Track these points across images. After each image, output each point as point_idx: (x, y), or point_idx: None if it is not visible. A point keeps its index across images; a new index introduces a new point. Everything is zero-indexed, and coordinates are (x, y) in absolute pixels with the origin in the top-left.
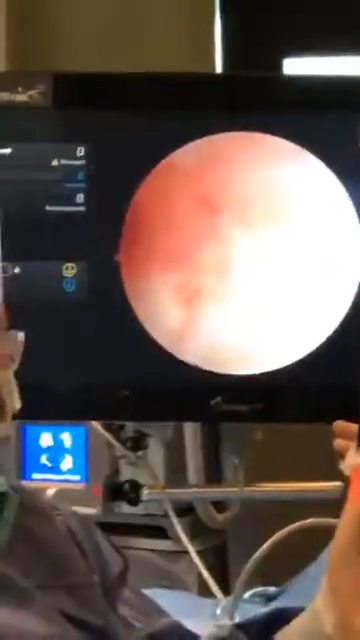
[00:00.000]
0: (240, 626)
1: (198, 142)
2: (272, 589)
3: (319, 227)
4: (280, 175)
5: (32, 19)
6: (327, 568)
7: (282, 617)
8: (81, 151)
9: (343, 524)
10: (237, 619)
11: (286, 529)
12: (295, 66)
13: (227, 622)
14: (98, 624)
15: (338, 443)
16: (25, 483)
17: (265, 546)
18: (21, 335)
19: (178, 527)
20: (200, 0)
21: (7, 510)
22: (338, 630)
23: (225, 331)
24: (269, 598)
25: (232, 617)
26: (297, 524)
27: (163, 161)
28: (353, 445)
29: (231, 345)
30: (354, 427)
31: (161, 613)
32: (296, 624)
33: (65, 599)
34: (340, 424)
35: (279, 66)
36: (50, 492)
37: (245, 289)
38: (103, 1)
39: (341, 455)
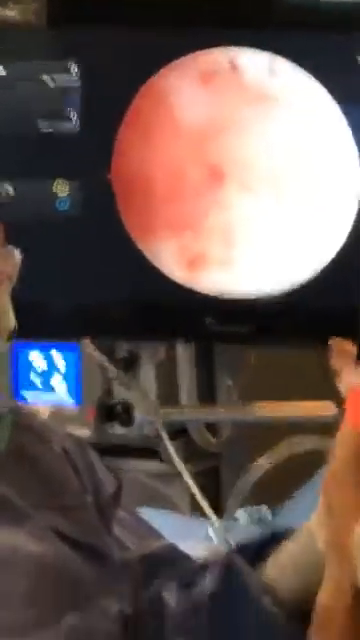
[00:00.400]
0: (235, 549)
1: (186, 60)
2: (264, 508)
3: (316, 152)
4: (270, 94)
5: None
6: (322, 487)
7: (276, 539)
8: (75, 69)
9: (338, 444)
10: (230, 540)
11: (277, 450)
12: None
13: (220, 544)
14: (92, 543)
15: (335, 362)
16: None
17: (255, 467)
18: (18, 252)
19: (171, 449)
20: None
21: (1, 429)
22: (329, 547)
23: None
24: (261, 519)
25: (224, 538)
26: (296, 441)
27: (151, 79)
28: (351, 364)
29: (228, 268)
30: (351, 345)
31: (155, 535)
32: (289, 543)
33: (59, 518)
34: (337, 342)
35: None
36: (45, 413)
37: (240, 216)
38: None
39: (338, 374)
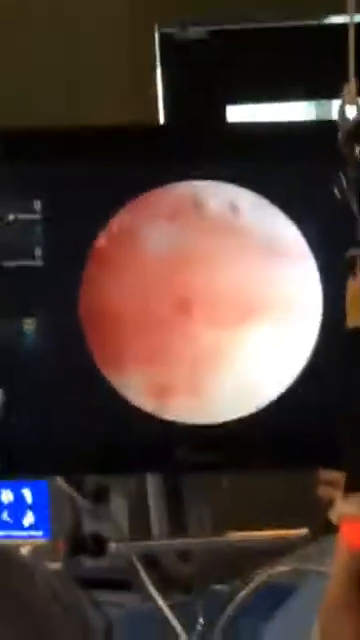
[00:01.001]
0: None
1: (149, 196)
2: None
3: (280, 282)
4: (234, 228)
5: None
6: (319, 616)
7: None
8: (37, 205)
9: (334, 571)
10: None
11: (262, 575)
12: (236, 113)
13: None
14: None
15: (323, 491)
16: None
17: (242, 594)
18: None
19: (147, 580)
20: (139, 53)
21: None
22: None
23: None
24: None
25: None
26: (275, 570)
27: (117, 215)
28: (340, 494)
29: (194, 397)
30: (339, 476)
31: None
32: None
33: None
34: (325, 472)
35: (221, 113)
36: (24, 550)
37: (207, 343)
38: (39, 57)
39: (327, 502)
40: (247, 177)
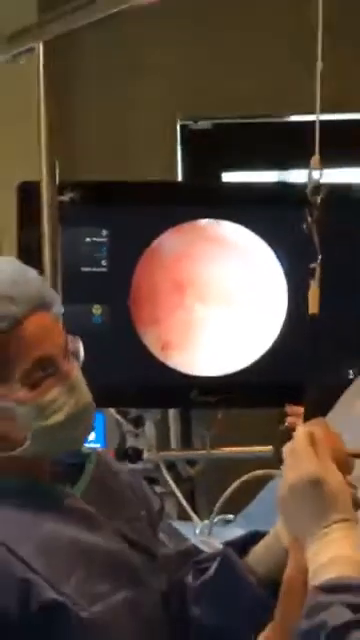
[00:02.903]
0: (227, 544)
1: (180, 228)
2: (230, 516)
3: (255, 275)
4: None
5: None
6: (277, 503)
7: (256, 537)
8: (104, 233)
9: (287, 465)
10: (211, 538)
11: (245, 477)
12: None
13: (210, 539)
14: (145, 544)
15: (290, 420)
16: None
17: (230, 489)
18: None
19: (168, 477)
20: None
21: (88, 463)
22: (290, 544)
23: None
24: (227, 522)
25: (210, 535)
26: (252, 473)
27: (154, 242)
28: (300, 422)
29: (187, 352)
30: (301, 410)
31: (183, 537)
32: (264, 541)
33: (124, 527)
34: (292, 407)
35: (219, 177)
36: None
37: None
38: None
39: (292, 429)
40: (237, 216)
